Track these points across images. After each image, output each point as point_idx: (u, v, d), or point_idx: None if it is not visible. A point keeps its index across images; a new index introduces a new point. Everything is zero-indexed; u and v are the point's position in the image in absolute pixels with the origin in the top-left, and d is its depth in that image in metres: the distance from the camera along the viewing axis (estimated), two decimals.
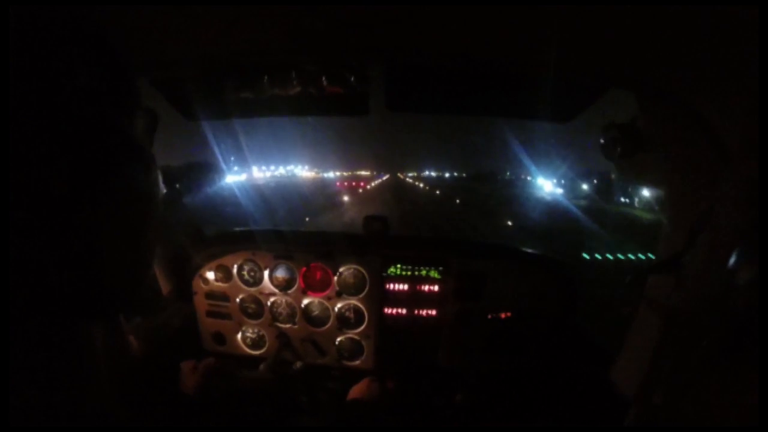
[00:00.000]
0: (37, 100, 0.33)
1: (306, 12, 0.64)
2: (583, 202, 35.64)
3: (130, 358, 1.05)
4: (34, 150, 0.32)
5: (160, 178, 0.46)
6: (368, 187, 50.54)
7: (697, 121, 0.76)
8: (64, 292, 0.36)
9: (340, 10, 0.63)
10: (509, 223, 17.95)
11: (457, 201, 30.96)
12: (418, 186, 62.92)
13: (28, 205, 0.32)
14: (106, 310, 0.44)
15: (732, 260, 0.50)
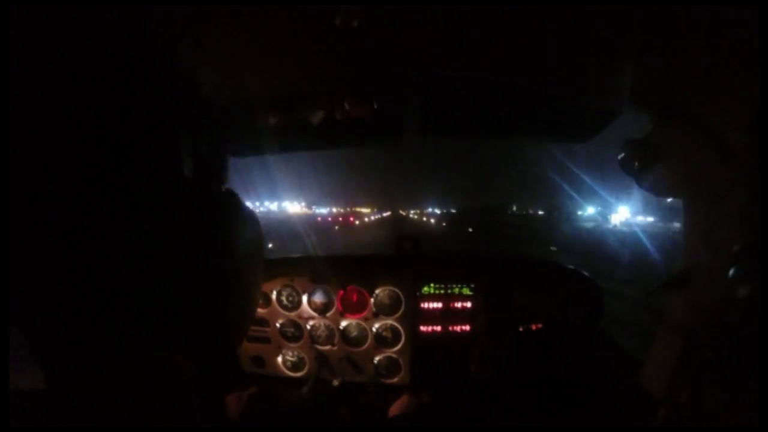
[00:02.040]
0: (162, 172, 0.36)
1: (336, 45, 0.70)
2: None
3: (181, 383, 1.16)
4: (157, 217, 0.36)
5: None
6: (356, 223, 45.38)
7: (709, 138, 0.85)
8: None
9: (373, 43, 0.72)
10: None
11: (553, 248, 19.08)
12: (429, 223, 53.49)
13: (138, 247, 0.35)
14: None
15: (729, 277, 0.55)
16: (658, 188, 1.12)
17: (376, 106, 1.06)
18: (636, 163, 1.08)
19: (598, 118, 1.10)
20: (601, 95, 0.96)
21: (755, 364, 0.50)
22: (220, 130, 0.47)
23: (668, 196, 1.14)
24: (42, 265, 0.32)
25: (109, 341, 0.36)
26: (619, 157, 1.12)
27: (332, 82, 0.93)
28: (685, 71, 0.78)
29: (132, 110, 0.34)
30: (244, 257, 0.45)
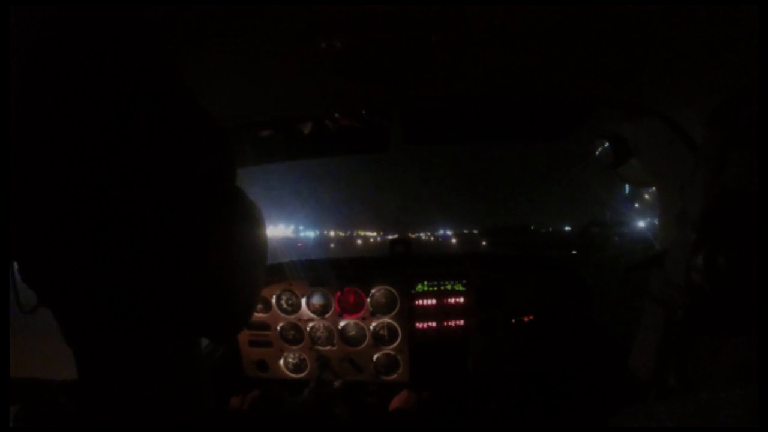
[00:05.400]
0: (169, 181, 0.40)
1: (324, 67, 0.80)
2: None
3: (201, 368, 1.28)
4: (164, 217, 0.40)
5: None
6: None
7: (676, 132, 1.02)
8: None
9: (358, 68, 0.84)
10: None
11: None
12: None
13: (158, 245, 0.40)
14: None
15: (693, 250, 0.61)
16: (635, 180, 1.30)
17: (363, 117, 1.24)
18: (611, 158, 1.25)
19: (572, 116, 1.28)
20: (574, 94, 1.12)
21: (723, 320, 0.58)
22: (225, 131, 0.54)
23: (644, 186, 1.31)
24: (78, 262, 0.38)
25: (138, 330, 0.42)
26: (597, 152, 1.30)
27: (322, 100, 1.07)
28: (648, 70, 0.92)
29: (139, 116, 0.39)
30: (250, 248, 0.51)
